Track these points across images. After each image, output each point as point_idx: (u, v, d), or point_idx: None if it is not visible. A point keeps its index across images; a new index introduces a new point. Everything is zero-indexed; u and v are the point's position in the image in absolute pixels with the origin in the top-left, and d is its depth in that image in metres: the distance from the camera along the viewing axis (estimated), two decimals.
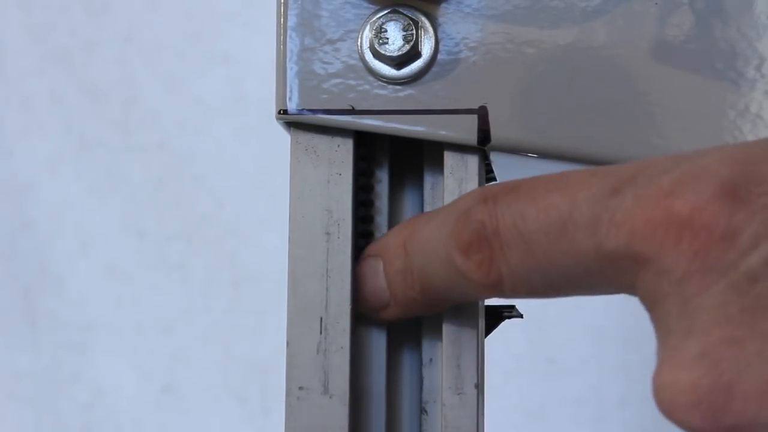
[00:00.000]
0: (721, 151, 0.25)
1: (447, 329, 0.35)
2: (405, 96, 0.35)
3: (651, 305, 0.24)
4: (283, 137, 0.37)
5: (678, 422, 0.23)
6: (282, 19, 0.35)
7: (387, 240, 0.34)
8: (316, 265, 0.35)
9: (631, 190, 0.25)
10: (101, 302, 0.90)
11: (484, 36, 0.34)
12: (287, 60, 0.35)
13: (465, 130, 0.34)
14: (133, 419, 0.90)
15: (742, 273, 0.22)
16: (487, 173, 0.37)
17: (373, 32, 0.34)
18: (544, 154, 0.35)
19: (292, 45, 0.35)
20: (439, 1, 0.35)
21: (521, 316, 0.37)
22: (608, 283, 0.26)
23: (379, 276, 0.34)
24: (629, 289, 0.25)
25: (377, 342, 0.36)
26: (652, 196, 0.24)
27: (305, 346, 0.35)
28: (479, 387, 0.35)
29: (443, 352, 0.35)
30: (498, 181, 0.31)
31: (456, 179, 0.35)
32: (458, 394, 0.34)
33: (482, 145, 0.34)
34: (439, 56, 0.35)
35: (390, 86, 0.35)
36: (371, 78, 0.35)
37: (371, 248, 0.35)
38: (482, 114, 0.34)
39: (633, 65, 0.34)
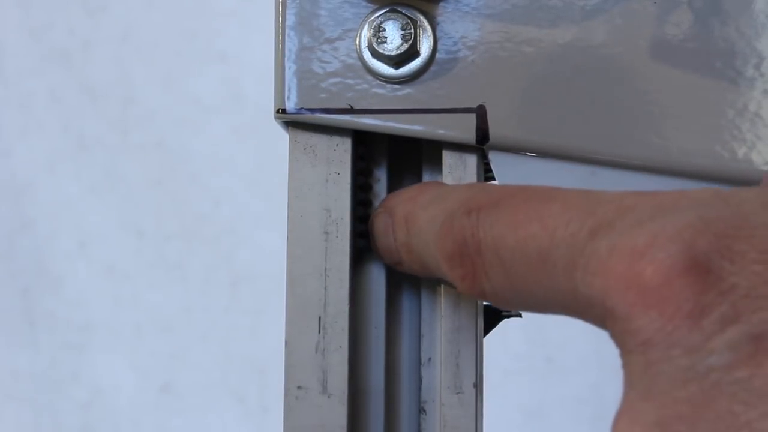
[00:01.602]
0: (702, 211, 0.24)
1: (446, 328, 0.35)
2: (403, 95, 0.35)
3: (619, 350, 0.25)
4: (280, 135, 0.37)
5: None
6: (280, 18, 0.35)
7: (396, 203, 0.34)
8: (314, 265, 0.35)
9: (607, 237, 0.25)
10: (100, 302, 0.90)
11: (483, 35, 0.34)
12: (286, 59, 0.35)
13: (463, 129, 0.34)
14: (132, 419, 0.90)
15: (705, 356, 0.23)
16: (485, 172, 0.37)
17: (372, 31, 0.34)
18: (543, 153, 0.34)
19: (291, 44, 0.35)
20: (437, 0, 0.35)
21: (520, 315, 0.37)
22: (583, 317, 0.27)
23: (390, 236, 0.34)
24: (602, 327, 0.26)
25: (376, 341, 0.36)
26: (626, 251, 0.24)
27: (304, 346, 0.35)
28: (478, 386, 0.35)
29: (442, 351, 0.35)
30: (486, 187, 0.31)
31: (454, 178, 0.35)
32: (457, 393, 0.34)
33: (481, 144, 0.34)
34: (438, 55, 0.35)
35: (388, 85, 0.35)
36: (370, 77, 0.35)
37: (388, 202, 0.35)
38: (481, 113, 0.34)
39: (632, 64, 0.34)
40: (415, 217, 0.33)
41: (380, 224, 0.35)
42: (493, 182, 0.34)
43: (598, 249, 0.25)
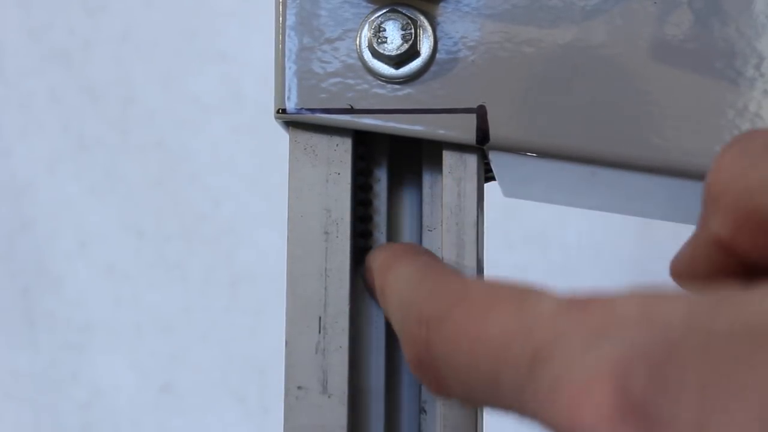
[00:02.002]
0: (632, 338, 0.23)
1: None
2: (404, 95, 0.35)
3: None
4: (279, 135, 0.37)
5: None
6: (281, 18, 0.35)
7: (376, 270, 0.34)
8: (314, 265, 0.35)
9: (548, 370, 0.24)
10: (100, 302, 0.90)
11: (483, 35, 0.34)
12: (286, 59, 0.35)
13: (464, 129, 0.34)
14: (132, 419, 0.90)
15: None
16: (486, 172, 0.37)
17: (372, 31, 0.34)
18: (543, 154, 0.34)
19: (291, 44, 0.35)
20: (437, 0, 0.35)
21: None
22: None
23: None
24: None
25: (376, 341, 0.36)
26: (565, 393, 0.24)
27: (304, 346, 0.35)
28: None
29: None
30: (436, 288, 0.31)
31: (455, 178, 0.35)
32: None
33: (481, 145, 0.34)
34: (438, 55, 0.35)
35: (389, 85, 0.35)
36: (370, 77, 0.35)
37: (369, 261, 0.35)
38: (481, 113, 0.34)
39: (632, 64, 0.34)
40: (386, 295, 0.32)
41: (368, 283, 0.35)
42: (447, 267, 0.34)
43: (541, 383, 0.24)
